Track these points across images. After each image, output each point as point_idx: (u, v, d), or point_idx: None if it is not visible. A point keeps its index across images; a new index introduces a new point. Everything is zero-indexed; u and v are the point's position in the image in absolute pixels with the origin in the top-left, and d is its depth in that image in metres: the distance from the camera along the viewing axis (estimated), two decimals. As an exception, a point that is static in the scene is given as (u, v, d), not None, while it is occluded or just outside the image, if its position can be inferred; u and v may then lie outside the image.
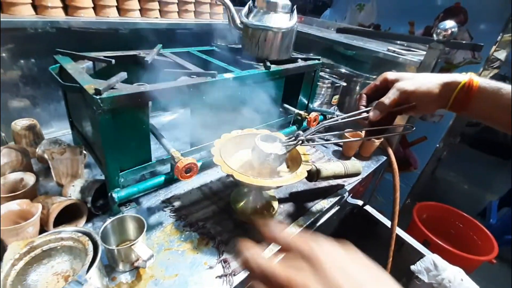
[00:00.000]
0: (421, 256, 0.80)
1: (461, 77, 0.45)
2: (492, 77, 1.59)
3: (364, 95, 0.53)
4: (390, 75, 0.50)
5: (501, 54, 1.66)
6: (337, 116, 0.95)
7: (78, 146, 0.62)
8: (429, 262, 0.80)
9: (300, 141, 0.56)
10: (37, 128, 0.70)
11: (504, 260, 1.68)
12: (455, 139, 2.19)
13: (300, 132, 0.57)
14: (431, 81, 0.46)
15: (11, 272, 0.36)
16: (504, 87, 0.42)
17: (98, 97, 0.44)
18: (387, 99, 0.48)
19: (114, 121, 0.48)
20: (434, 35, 0.81)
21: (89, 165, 0.71)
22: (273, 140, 0.61)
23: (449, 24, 0.79)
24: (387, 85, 0.50)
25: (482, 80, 0.44)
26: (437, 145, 1.38)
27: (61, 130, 0.83)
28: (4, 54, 0.69)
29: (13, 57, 0.72)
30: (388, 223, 0.85)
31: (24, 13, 0.68)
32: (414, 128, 0.52)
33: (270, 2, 0.78)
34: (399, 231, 0.82)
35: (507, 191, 1.94)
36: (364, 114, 0.51)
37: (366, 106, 0.53)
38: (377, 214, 0.88)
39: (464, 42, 0.90)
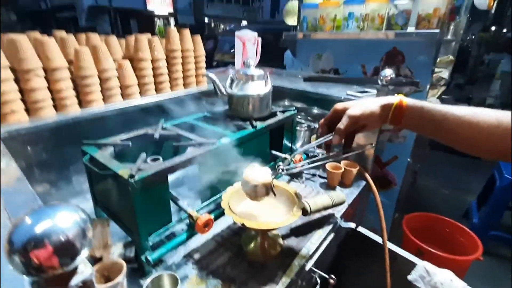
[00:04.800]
0: (414, 265, 0.90)
1: (393, 99, 0.58)
2: (441, 95, 1.87)
3: (324, 126, 0.67)
4: (338, 105, 0.64)
5: (445, 74, 1.96)
6: (315, 150, 1.12)
7: (105, 219, 0.72)
8: (422, 270, 0.90)
9: (281, 170, 0.70)
10: (62, 209, 0.80)
11: (493, 255, 1.81)
12: (425, 150, 2.43)
13: (280, 163, 0.71)
14: (372, 105, 0.60)
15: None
16: (426, 104, 0.55)
17: (132, 180, 0.57)
18: (342, 125, 0.61)
19: (143, 195, 0.60)
20: (379, 81, 1.03)
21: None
22: (259, 170, 0.71)
23: (388, 72, 1.02)
24: (339, 114, 0.63)
25: (409, 100, 0.57)
26: (408, 160, 1.57)
27: (78, 206, 0.92)
28: (29, 147, 0.81)
29: (31, 149, 0.83)
30: (380, 240, 0.95)
31: (48, 115, 0.82)
32: (374, 145, 0.68)
33: (248, 74, 0.97)
34: (390, 245, 0.93)
35: (481, 190, 2.14)
36: (329, 139, 0.65)
37: (326, 133, 0.66)
38: (370, 234, 0.99)
39: (404, 81, 1.14)
